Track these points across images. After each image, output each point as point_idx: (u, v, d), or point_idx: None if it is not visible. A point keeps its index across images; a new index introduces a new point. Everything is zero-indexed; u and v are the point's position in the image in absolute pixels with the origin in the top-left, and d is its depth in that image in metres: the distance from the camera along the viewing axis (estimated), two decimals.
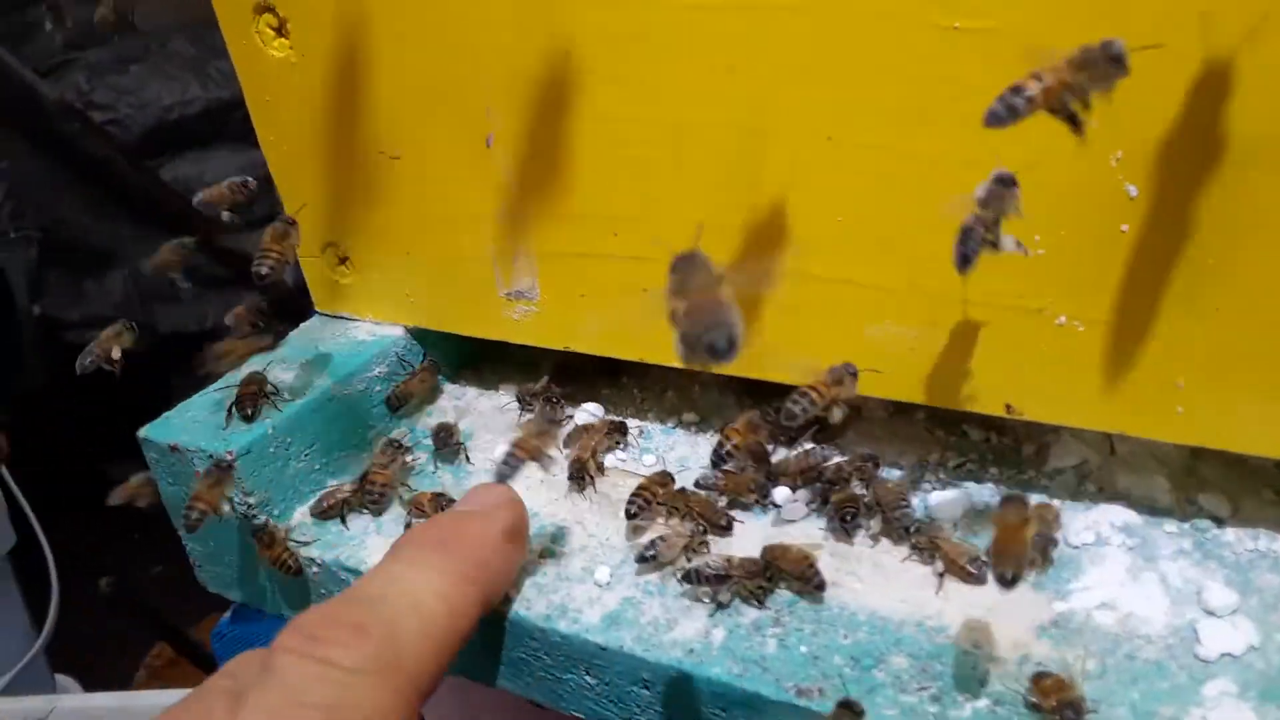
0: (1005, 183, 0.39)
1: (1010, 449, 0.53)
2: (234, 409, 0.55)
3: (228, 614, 1.65)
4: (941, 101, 0.42)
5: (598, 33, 0.48)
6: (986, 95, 0.40)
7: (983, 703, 0.40)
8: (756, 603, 0.45)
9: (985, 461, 0.53)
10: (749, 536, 0.50)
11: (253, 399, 0.54)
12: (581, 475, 0.53)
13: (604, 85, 0.49)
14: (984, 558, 0.45)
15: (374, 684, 0.36)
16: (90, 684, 1.60)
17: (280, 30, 0.56)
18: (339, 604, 0.40)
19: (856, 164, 0.45)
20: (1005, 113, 0.36)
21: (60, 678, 1.59)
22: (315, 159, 0.59)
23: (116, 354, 0.57)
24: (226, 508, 0.52)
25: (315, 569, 0.53)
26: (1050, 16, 0.39)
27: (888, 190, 0.45)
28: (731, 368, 0.52)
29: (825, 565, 0.47)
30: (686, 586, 0.46)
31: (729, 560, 0.46)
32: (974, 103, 0.41)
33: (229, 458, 0.52)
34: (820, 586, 0.45)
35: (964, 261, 0.39)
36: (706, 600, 0.46)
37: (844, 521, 0.48)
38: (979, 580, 0.45)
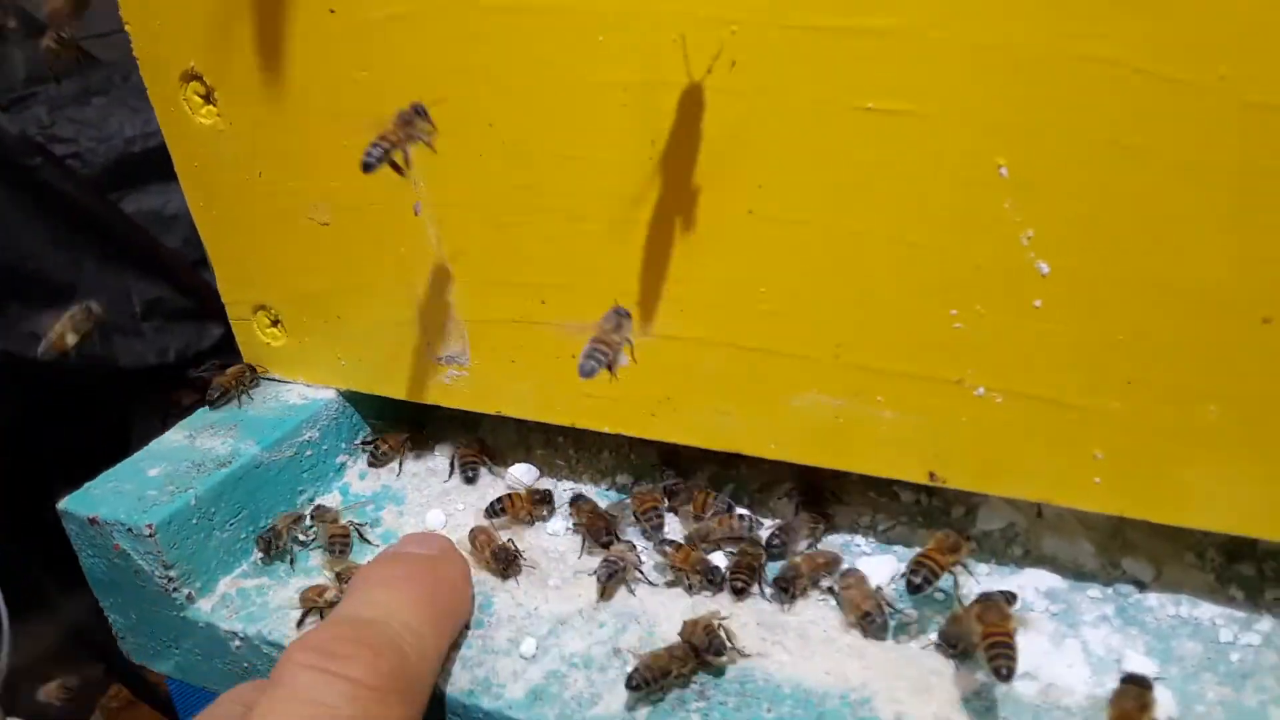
0: (621, 314, 0.45)
1: (940, 511, 0.53)
2: None
3: None
4: (859, 179, 0.42)
5: (521, 105, 0.48)
6: (901, 173, 0.41)
7: None
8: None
9: (915, 524, 0.53)
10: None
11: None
12: (508, 562, 0.52)
13: (527, 157, 0.49)
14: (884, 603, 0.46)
15: (395, 701, 0.38)
16: None
17: (208, 98, 0.56)
18: (343, 625, 0.42)
19: (776, 238, 0.45)
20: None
21: None
22: (246, 224, 0.59)
23: (71, 341, 0.55)
24: None
25: (238, 642, 0.52)
26: (964, 99, 0.39)
27: (808, 263, 0.45)
28: (659, 433, 0.52)
29: (752, 636, 0.47)
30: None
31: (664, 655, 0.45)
32: (889, 181, 0.42)
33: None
34: (718, 652, 0.45)
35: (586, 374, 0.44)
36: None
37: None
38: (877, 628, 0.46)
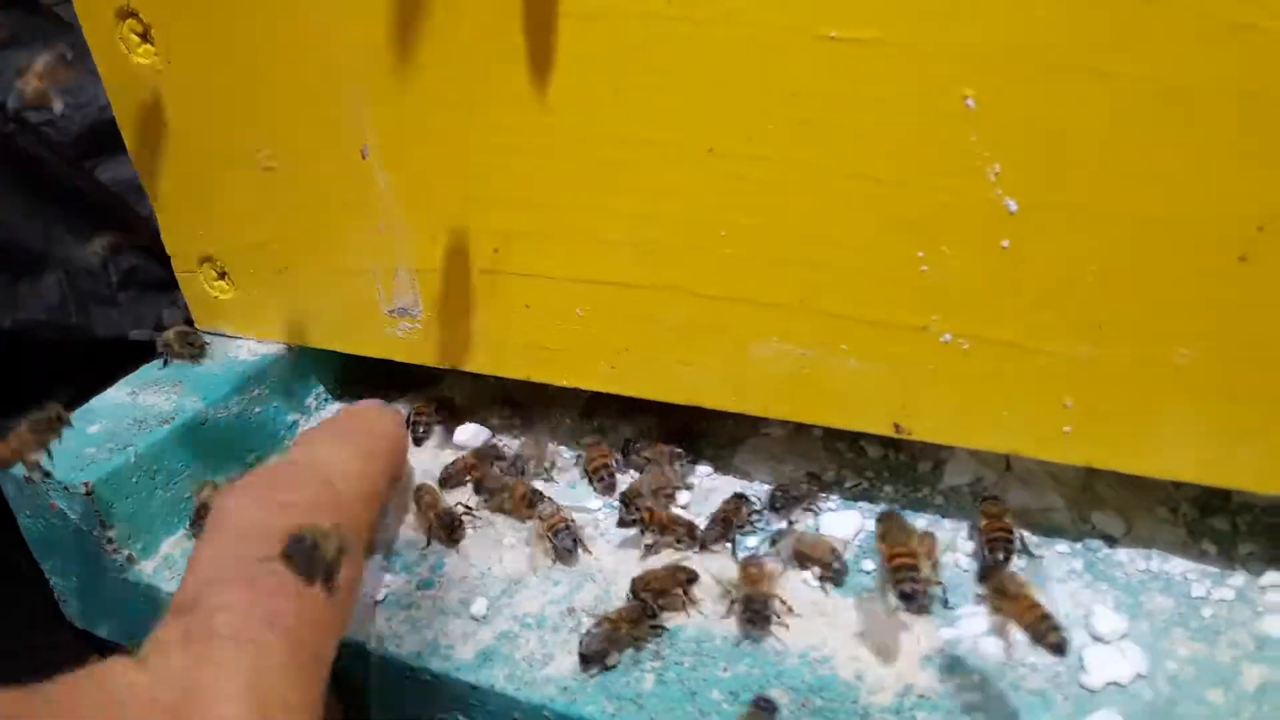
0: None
1: (907, 466, 0.52)
2: None
3: None
4: (822, 112, 0.40)
5: (470, 43, 0.45)
6: (866, 105, 0.39)
7: None
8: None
9: (881, 479, 0.51)
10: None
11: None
12: (452, 528, 0.50)
13: (478, 95, 0.46)
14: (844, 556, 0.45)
15: (325, 517, 0.36)
16: None
17: (145, 36, 0.53)
18: (266, 468, 0.45)
19: (738, 177, 0.43)
20: None
21: None
22: (188, 170, 0.56)
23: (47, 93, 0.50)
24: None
25: None
26: (931, 25, 0.37)
27: (771, 204, 0.43)
28: (617, 386, 0.50)
29: (710, 593, 0.45)
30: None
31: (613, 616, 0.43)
32: (854, 114, 0.40)
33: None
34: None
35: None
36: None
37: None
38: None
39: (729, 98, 0.42)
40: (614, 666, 0.42)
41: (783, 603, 0.44)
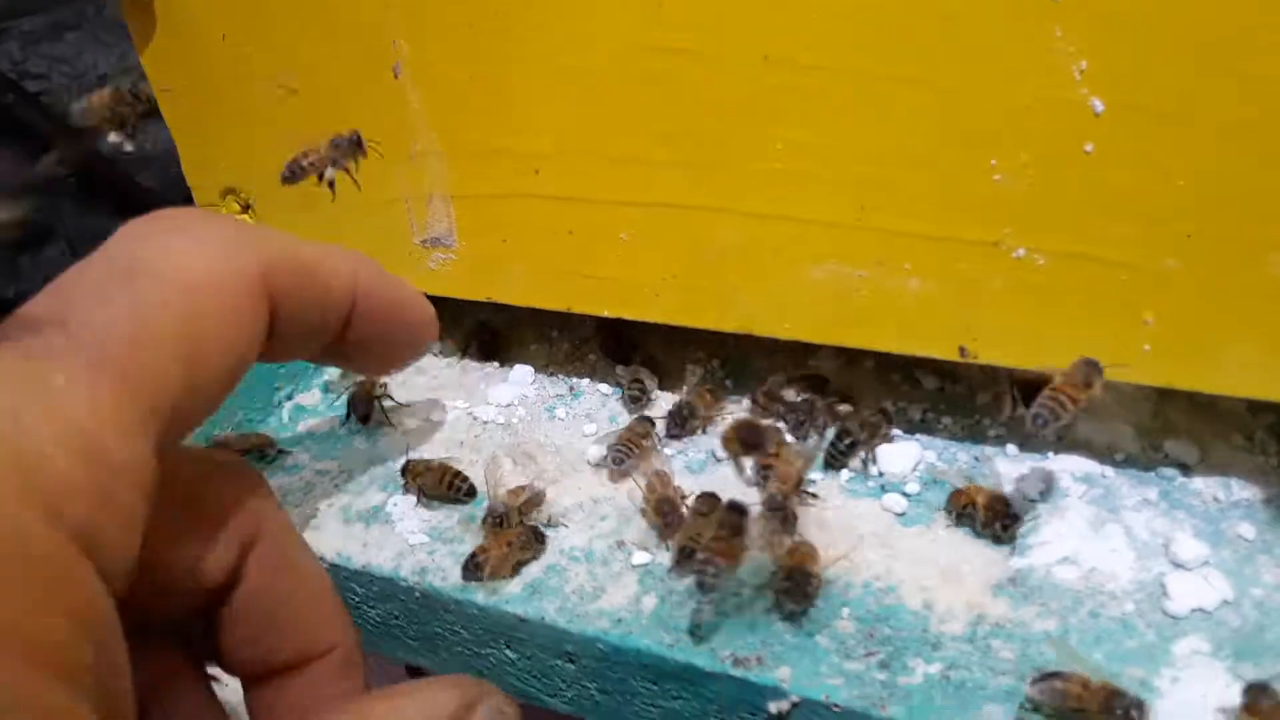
0: None
1: (964, 397, 0.50)
2: None
3: None
4: (888, 12, 0.38)
5: None
6: (933, 5, 0.37)
7: (935, 667, 0.36)
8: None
9: (939, 411, 0.49)
10: None
11: None
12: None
13: (522, 6, 0.44)
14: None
15: None
16: None
17: None
18: None
19: (796, 86, 0.41)
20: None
21: None
22: (208, 96, 0.54)
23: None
24: None
25: None
26: None
27: (831, 115, 0.41)
28: (663, 314, 0.48)
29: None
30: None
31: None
32: (921, 14, 0.37)
33: None
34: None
35: None
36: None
37: None
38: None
39: (788, 1, 0.39)
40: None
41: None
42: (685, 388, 0.52)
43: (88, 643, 0.22)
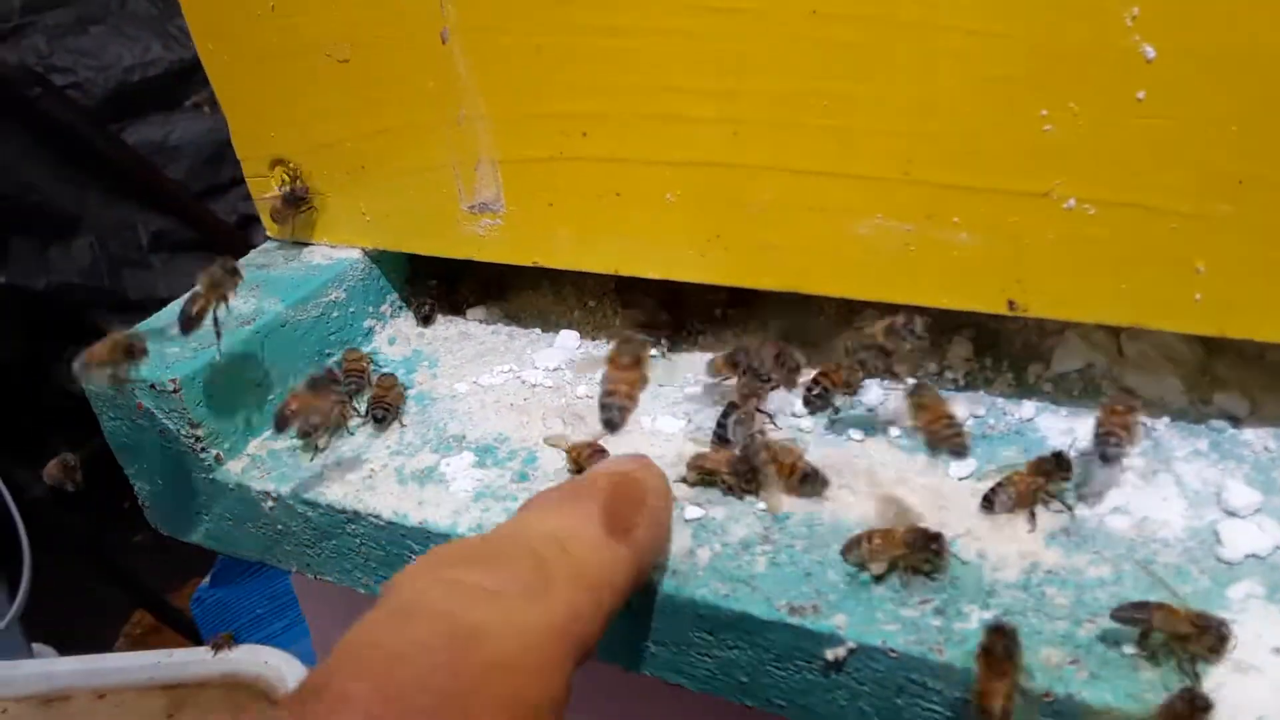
0: None
1: (1008, 354, 0.50)
2: None
3: (207, 579, 1.62)
4: None
5: None
6: None
7: (990, 614, 0.37)
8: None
9: (985, 367, 0.49)
10: None
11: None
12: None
13: None
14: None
15: (522, 607, 0.30)
16: (68, 653, 1.57)
17: None
18: (479, 537, 0.37)
19: (843, 39, 0.41)
20: None
21: (38, 646, 1.55)
22: (258, 66, 0.55)
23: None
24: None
25: (270, 503, 0.49)
26: None
27: (876, 66, 0.41)
28: (709, 275, 0.48)
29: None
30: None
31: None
32: None
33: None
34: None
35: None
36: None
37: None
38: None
39: None
40: None
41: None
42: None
43: None
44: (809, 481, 0.43)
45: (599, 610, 0.33)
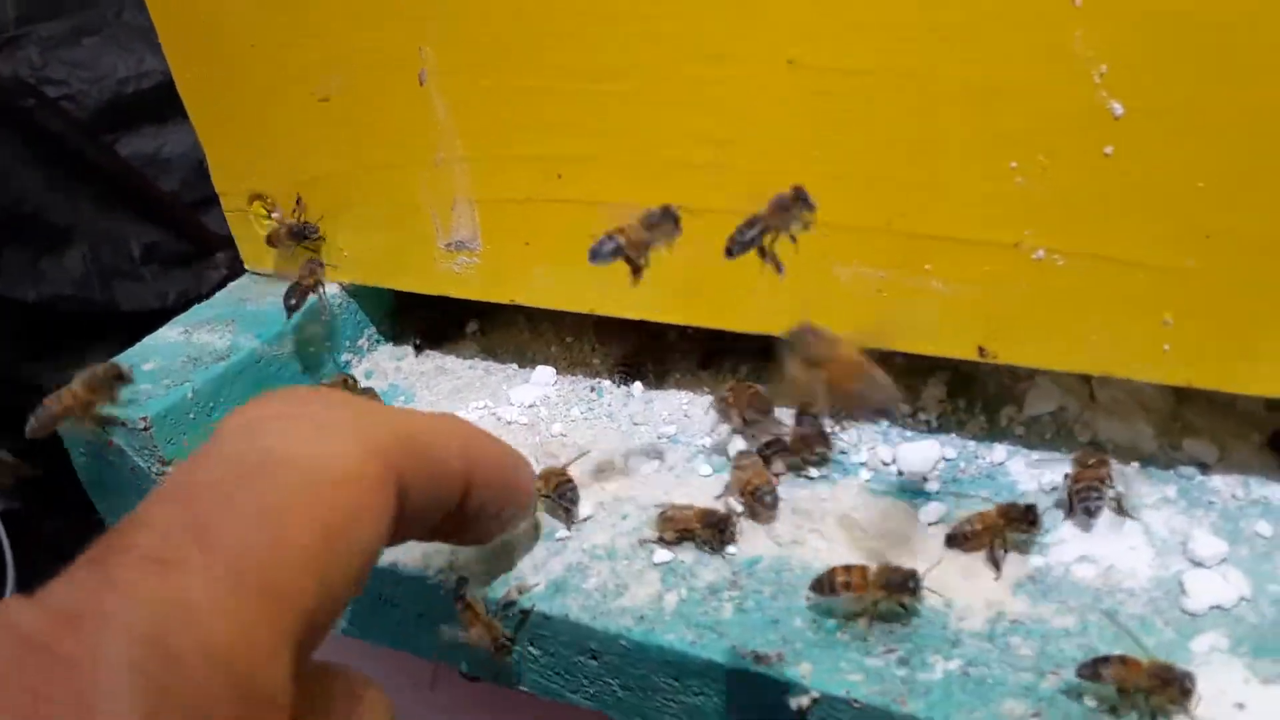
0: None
1: (981, 396, 0.50)
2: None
3: None
4: (912, 15, 0.39)
5: None
6: (962, 6, 0.37)
7: (954, 664, 0.37)
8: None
9: (958, 409, 0.50)
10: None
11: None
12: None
13: (542, 11, 0.45)
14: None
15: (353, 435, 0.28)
16: None
17: None
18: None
19: (822, 90, 0.41)
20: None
21: None
22: (238, 102, 0.55)
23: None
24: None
25: None
26: None
27: (858, 119, 0.41)
28: (687, 316, 0.49)
29: (786, 523, 0.44)
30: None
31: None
32: (943, 19, 0.38)
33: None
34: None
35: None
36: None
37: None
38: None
39: (809, 4, 0.40)
40: None
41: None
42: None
43: None
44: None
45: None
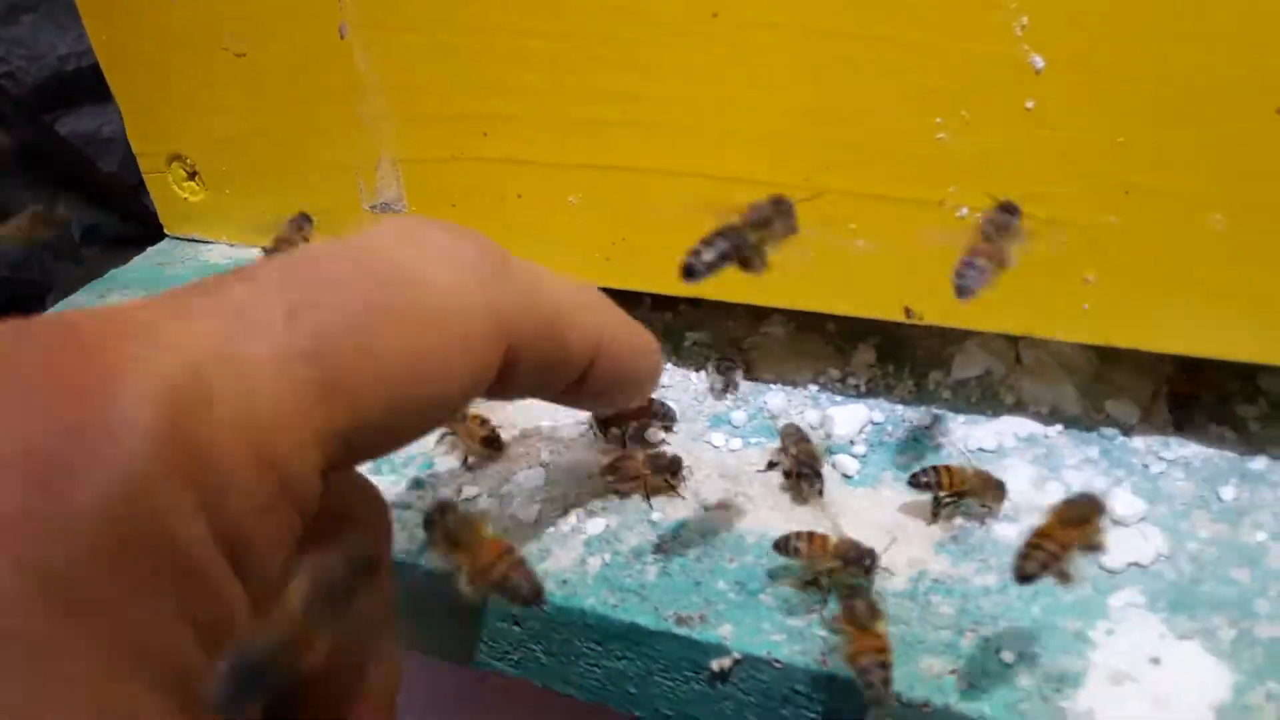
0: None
1: (910, 361, 0.50)
2: None
3: None
4: None
5: None
6: None
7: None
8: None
9: (887, 374, 0.49)
10: None
11: None
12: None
13: None
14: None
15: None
16: None
17: None
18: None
19: (742, 43, 0.41)
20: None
21: None
22: (153, 58, 0.53)
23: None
24: None
25: None
26: None
27: (779, 75, 0.41)
28: (614, 279, 0.48)
29: (714, 486, 0.43)
30: None
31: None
32: None
33: None
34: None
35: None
36: None
37: None
38: None
39: None
40: None
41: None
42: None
43: (202, 651, 0.20)
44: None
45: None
